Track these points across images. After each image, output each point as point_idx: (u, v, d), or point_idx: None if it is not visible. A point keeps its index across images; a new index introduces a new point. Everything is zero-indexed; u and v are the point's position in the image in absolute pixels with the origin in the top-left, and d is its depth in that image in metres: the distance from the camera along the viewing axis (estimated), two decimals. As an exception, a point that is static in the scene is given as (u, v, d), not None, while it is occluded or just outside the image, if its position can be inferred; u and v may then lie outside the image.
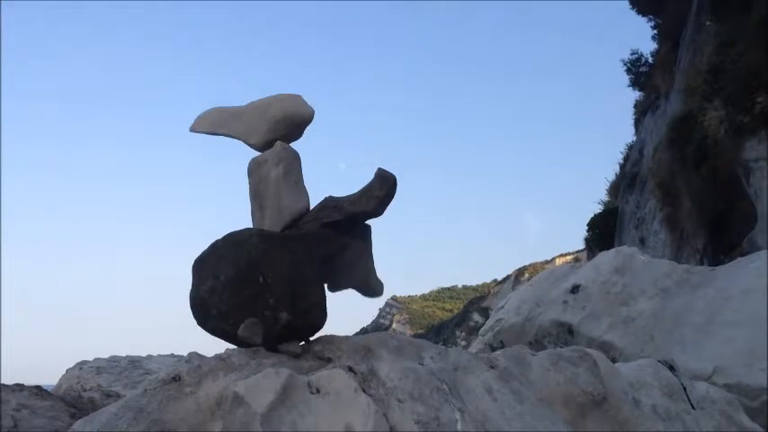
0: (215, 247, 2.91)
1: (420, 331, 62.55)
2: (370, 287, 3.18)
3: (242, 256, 2.75)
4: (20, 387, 4.90)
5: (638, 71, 19.72)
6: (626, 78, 20.21)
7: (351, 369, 2.64)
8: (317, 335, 2.98)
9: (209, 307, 2.79)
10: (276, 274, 2.74)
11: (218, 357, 2.68)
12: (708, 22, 11.95)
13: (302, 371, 2.62)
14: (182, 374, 2.55)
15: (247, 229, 2.91)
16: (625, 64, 20.09)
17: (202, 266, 2.88)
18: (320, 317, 2.92)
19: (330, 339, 2.91)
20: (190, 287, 2.93)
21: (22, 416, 4.32)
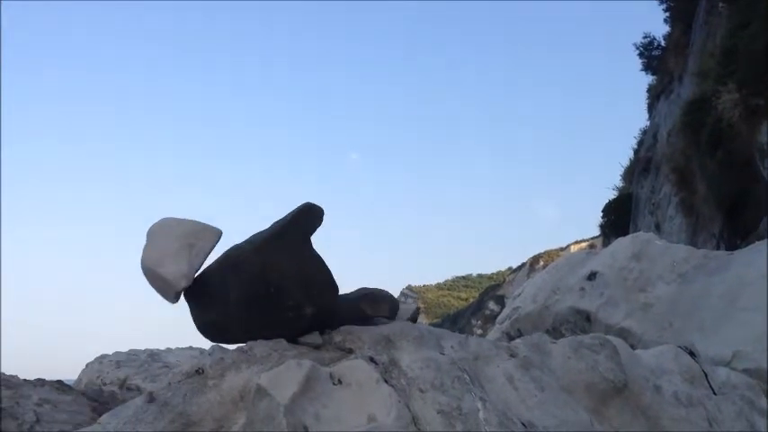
0: (210, 272, 2.84)
1: (436, 320, 62.42)
2: None
3: (245, 275, 2.73)
4: (41, 382, 4.95)
5: (651, 55, 19.63)
6: (639, 62, 20.14)
7: (372, 359, 2.65)
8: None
9: (225, 328, 2.83)
10: (284, 276, 2.74)
11: (240, 350, 2.70)
12: (720, 4, 11.86)
13: (324, 362, 2.64)
14: (205, 367, 2.57)
15: (237, 249, 2.85)
16: (637, 48, 20.00)
17: (202, 293, 2.83)
18: (334, 294, 2.94)
19: (350, 330, 2.92)
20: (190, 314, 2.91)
21: (44, 410, 4.37)
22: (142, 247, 2.83)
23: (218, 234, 2.88)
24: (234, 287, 2.74)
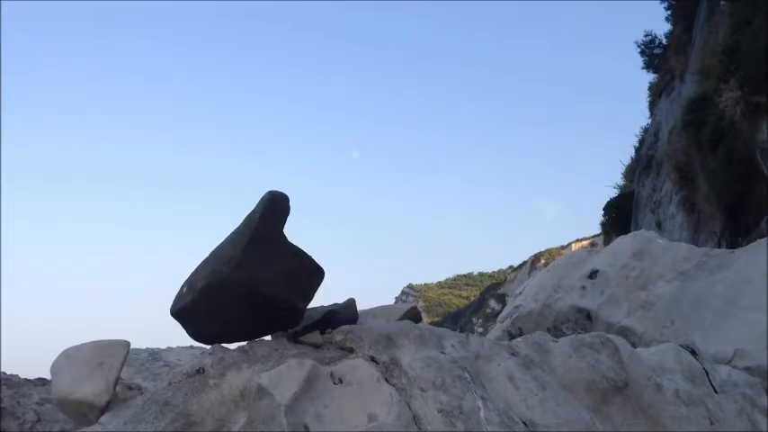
0: (198, 300, 2.69)
1: (437, 319, 62.39)
2: None
3: (234, 295, 2.66)
4: (42, 381, 4.96)
5: (652, 53, 19.59)
6: (640, 60, 20.11)
7: (373, 359, 2.66)
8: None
9: (228, 337, 2.82)
10: (271, 283, 2.69)
11: (241, 349, 2.70)
12: (722, 2, 11.83)
13: (325, 361, 2.64)
14: (206, 367, 2.57)
15: (217, 272, 2.67)
16: (639, 46, 19.96)
17: (194, 315, 2.77)
18: (321, 277, 2.90)
19: (351, 329, 2.92)
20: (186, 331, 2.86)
21: (45, 410, 4.38)
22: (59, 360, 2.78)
23: (125, 346, 2.82)
24: (227, 308, 2.69)
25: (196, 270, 2.82)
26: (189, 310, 2.73)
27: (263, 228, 2.69)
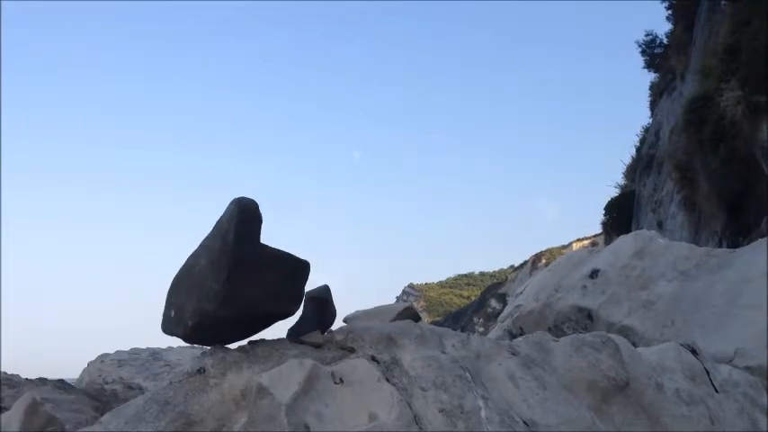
0: (188, 333, 2.63)
1: (438, 318, 62.31)
2: None
3: (231, 325, 2.63)
4: (43, 381, 4.96)
5: (653, 53, 19.63)
6: (641, 60, 20.15)
7: (374, 358, 2.66)
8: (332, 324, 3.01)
9: (228, 339, 2.80)
10: (263, 303, 2.65)
11: (241, 349, 2.70)
12: (722, 2, 11.84)
13: (325, 361, 2.64)
14: (206, 366, 2.57)
15: (202, 310, 2.53)
16: (640, 45, 20.01)
17: (188, 340, 2.74)
18: (307, 271, 2.83)
19: (352, 329, 2.92)
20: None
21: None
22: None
23: None
24: (221, 331, 2.68)
25: (177, 291, 2.71)
26: (182, 338, 2.72)
27: (239, 248, 2.52)
